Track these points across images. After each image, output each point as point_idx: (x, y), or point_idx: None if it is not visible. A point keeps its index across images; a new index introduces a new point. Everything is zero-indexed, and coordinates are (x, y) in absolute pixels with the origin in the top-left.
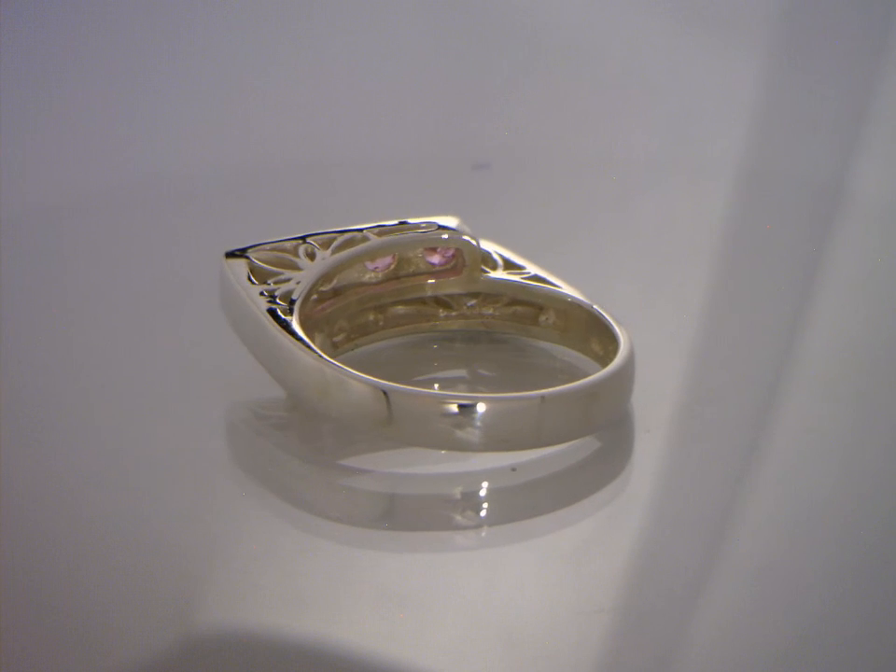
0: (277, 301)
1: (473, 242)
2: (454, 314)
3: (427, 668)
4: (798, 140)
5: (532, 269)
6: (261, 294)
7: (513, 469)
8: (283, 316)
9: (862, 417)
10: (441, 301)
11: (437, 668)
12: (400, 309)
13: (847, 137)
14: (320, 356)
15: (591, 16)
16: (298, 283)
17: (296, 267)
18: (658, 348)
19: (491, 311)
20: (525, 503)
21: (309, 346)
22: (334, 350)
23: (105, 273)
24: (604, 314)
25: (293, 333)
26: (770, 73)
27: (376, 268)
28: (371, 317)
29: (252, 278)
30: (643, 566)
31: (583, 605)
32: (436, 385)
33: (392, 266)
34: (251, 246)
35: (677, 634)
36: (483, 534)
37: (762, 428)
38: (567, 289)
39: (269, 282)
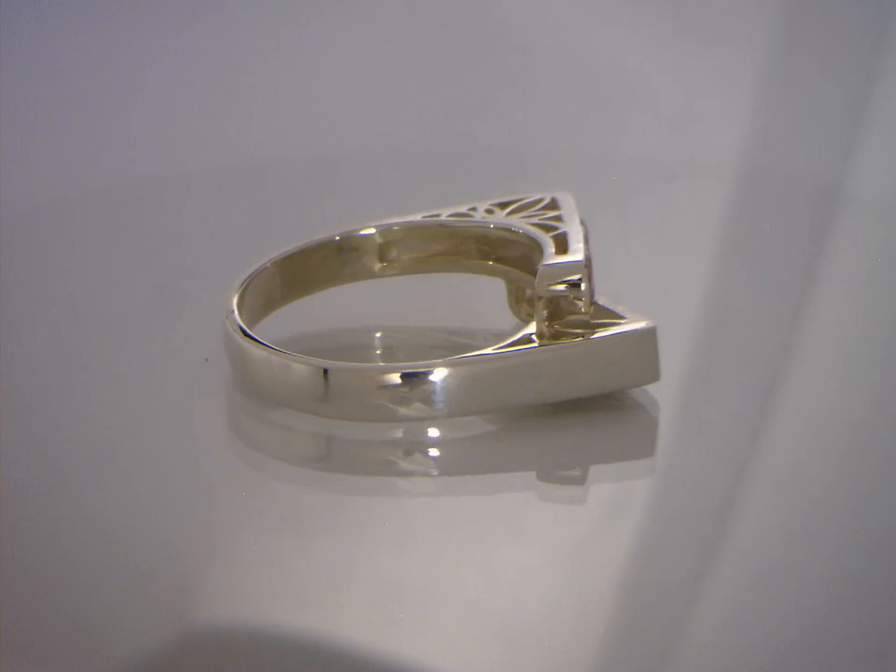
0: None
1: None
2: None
3: (362, 630)
4: (797, 140)
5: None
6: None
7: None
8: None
9: (862, 419)
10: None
11: (384, 628)
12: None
13: (846, 137)
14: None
15: (591, 16)
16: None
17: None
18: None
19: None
20: (470, 453)
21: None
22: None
23: (104, 272)
24: None
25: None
26: (769, 73)
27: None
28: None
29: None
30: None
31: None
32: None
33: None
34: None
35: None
36: (425, 480)
37: (761, 429)
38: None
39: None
